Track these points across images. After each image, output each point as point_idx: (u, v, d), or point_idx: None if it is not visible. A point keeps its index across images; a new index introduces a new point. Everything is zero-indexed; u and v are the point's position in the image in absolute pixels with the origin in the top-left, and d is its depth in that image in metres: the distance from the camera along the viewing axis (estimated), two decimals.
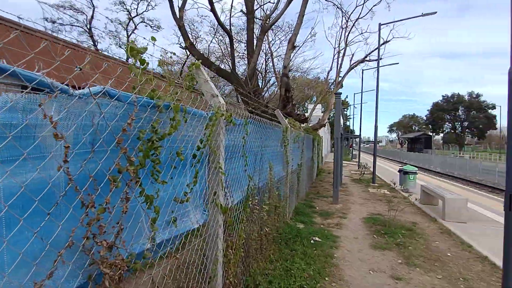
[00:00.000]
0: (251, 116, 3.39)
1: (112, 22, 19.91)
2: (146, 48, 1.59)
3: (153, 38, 1.87)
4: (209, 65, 10.83)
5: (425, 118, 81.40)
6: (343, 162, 22.65)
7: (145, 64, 1.58)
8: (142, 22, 21.66)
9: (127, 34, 20.79)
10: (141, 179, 1.56)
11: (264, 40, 12.53)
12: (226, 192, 2.66)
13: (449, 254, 4.82)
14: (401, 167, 10.87)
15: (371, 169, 15.50)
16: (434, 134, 74.54)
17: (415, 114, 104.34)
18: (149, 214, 1.67)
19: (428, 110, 77.32)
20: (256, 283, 3.30)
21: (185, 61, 19.14)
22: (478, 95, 68.12)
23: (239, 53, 17.43)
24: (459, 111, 68.84)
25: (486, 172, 21.76)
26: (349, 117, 59.99)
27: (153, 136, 1.61)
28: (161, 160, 1.70)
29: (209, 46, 18.13)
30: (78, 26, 18.30)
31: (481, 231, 5.99)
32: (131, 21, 20.97)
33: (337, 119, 8.23)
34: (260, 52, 12.84)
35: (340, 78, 16.22)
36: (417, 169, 10.77)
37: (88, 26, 18.68)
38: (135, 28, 21.45)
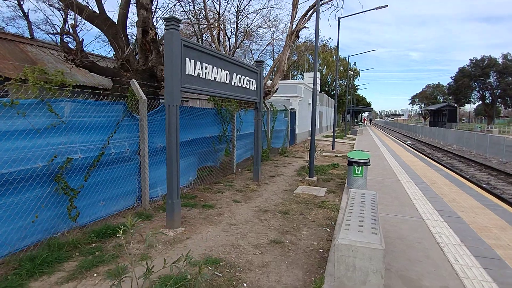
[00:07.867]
0: None
1: None
2: None
3: None
4: None
5: (448, 86, 71.15)
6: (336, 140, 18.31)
7: None
8: None
9: None
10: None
11: None
12: None
13: None
14: (349, 156, 6.68)
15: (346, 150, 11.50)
16: (458, 105, 65.56)
17: (439, 83, 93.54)
18: None
19: (451, 78, 66.43)
20: None
21: None
22: None
23: None
24: (491, 77, 58.49)
25: (510, 152, 16.63)
26: (357, 87, 53.67)
27: None
28: None
29: None
30: None
31: None
32: None
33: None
34: None
35: (294, 26, 11.66)
36: (368, 156, 6.53)
37: None
38: None
